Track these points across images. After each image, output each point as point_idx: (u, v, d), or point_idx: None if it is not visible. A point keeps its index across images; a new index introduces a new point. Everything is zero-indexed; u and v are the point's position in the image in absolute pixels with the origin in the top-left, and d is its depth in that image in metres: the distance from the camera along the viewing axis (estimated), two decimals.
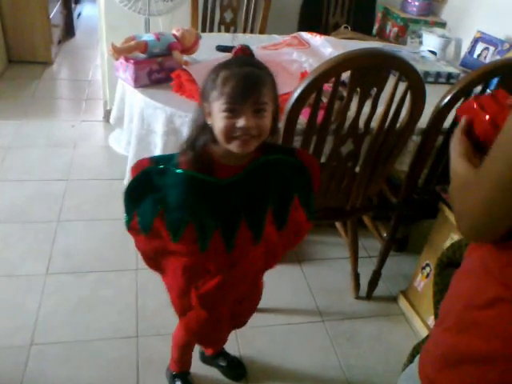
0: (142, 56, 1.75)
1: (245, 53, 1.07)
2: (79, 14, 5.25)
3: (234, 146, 0.99)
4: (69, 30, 4.79)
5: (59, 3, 4.38)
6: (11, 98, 3.46)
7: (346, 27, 2.80)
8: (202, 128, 1.05)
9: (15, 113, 3.26)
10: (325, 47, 1.95)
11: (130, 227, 1.15)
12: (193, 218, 1.09)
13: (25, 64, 3.99)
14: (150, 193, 1.07)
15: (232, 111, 0.96)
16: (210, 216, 1.09)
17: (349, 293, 2.08)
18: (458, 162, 0.80)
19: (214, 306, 1.24)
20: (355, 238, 1.97)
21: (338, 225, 2.17)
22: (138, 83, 1.75)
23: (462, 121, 0.86)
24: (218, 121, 0.98)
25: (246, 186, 1.07)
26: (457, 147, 0.83)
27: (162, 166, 1.05)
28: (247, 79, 0.96)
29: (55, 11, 4.16)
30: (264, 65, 1.03)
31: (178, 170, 1.04)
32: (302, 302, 2.04)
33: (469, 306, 0.77)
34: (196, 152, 1.05)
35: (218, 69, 1.00)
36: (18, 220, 2.32)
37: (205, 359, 1.71)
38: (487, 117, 0.80)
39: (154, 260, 1.24)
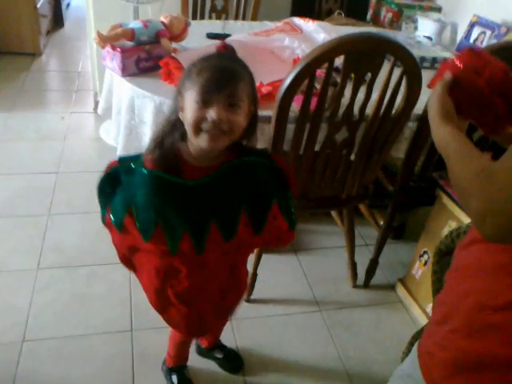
0: (129, 44, 1.70)
1: (226, 50, 1.03)
2: (68, 5, 5.15)
3: (201, 140, 0.95)
4: (57, 21, 4.71)
5: None
6: None
7: (339, 13, 2.75)
8: (173, 124, 1.01)
9: (3, 105, 3.20)
10: (318, 33, 1.91)
11: (105, 222, 1.13)
12: (161, 219, 1.05)
13: (12, 55, 3.92)
14: (120, 191, 1.05)
15: (204, 102, 0.92)
16: (178, 218, 1.05)
17: (346, 282, 2.06)
18: (444, 127, 0.78)
19: (193, 302, 1.21)
20: (351, 226, 1.94)
21: (333, 213, 2.14)
22: (126, 72, 1.70)
23: (446, 76, 0.82)
24: (188, 112, 0.95)
25: (216, 188, 1.03)
26: (440, 108, 0.81)
27: (127, 166, 1.02)
28: (224, 71, 0.93)
29: (43, 1, 4.07)
30: (244, 63, 0.99)
31: (144, 170, 1.01)
32: (298, 292, 2.01)
33: (481, 306, 0.72)
34: (163, 150, 1.01)
35: (196, 62, 0.97)
36: (7, 214, 2.27)
37: (201, 351, 1.68)
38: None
39: (128, 257, 1.22)
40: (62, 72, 3.96)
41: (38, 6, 3.89)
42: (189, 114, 0.94)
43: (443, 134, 0.79)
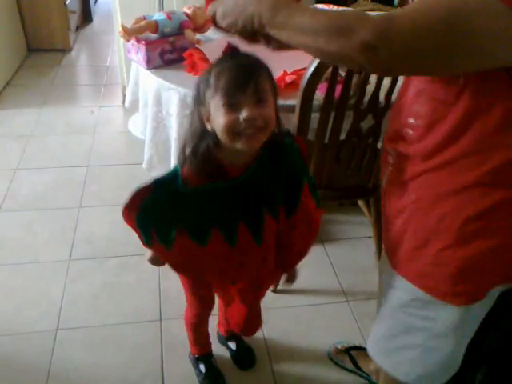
0: (153, 36, 1.72)
1: (233, 50, 0.99)
2: (96, 0, 5.23)
3: (240, 144, 0.92)
4: (86, 16, 4.79)
5: None
6: (31, 86, 3.49)
7: None
8: (200, 136, 0.97)
9: (35, 101, 3.29)
10: None
11: (152, 246, 1.07)
12: (215, 223, 1.02)
13: (44, 52, 4.02)
14: (163, 217, 0.99)
15: (232, 105, 0.88)
16: (232, 215, 1.02)
17: (374, 272, 2.03)
18: (295, 14, 0.75)
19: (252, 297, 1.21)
20: (379, 216, 1.91)
21: (360, 203, 2.11)
22: (151, 64, 1.72)
23: None
24: (218, 119, 0.90)
25: (261, 176, 1.01)
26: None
27: (167, 190, 0.97)
28: (243, 69, 0.90)
29: None
30: (255, 56, 0.95)
31: (189, 190, 0.97)
32: (326, 282, 2.00)
33: (463, 221, 0.84)
34: (200, 159, 0.97)
35: (208, 69, 0.94)
36: (40, 207, 2.34)
37: (220, 338, 1.70)
38: None
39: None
40: (91, 67, 4.04)
41: (67, 2, 3.97)
42: (220, 121, 0.90)
43: (300, 21, 0.76)
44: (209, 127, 0.95)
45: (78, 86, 3.70)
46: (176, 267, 1.17)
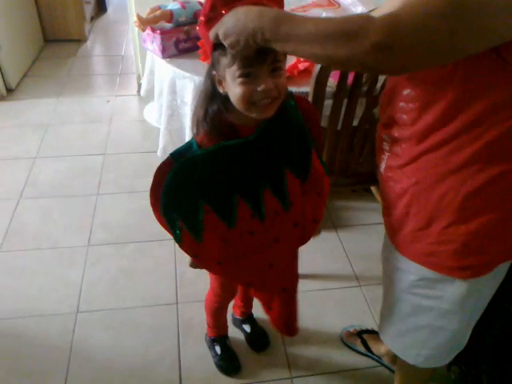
0: (168, 26, 1.75)
1: None
2: None
3: (255, 113, 0.94)
4: (101, 6, 4.83)
5: None
6: (48, 77, 3.55)
7: None
8: (211, 98, 0.98)
9: (53, 91, 3.35)
10: (355, 6, 1.88)
11: (182, 241, 1.07)
12: (239, 191, 1.03)
13: (60, 42, 4.07)
14: (187, 192, 1.01)
15: (249, 75, 0.90)
16: (254, 177, 1.03)
17: None
18: (295, 23, 0.77)
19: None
20: None
21: (373, 189, 2.13)
22: (166, 53, 1.75)
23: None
24: (233, 89, 0.92)
25: (274, 132, 1.02)
26: (272, 14, 0.79)
27: (188, 156, 0.99)
28: None
29: None
30: None
31: (204, 151, 0.98)
32: (338, 267, 2.03)
33: (463, 197, 0.88)
34: (212, 121, 0.99)
35: None
36: (59, 195, 2.40)
37: (235, 321, 1.74)
38: None
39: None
40: (106, 56, 4.08)
41: None
42: (236, 91, 0.91)
43: (303, 28, 0.76)
44: (220, 90, 0.96)
45: (93, 75, 3.74)
46: (212, 267, 1.17)
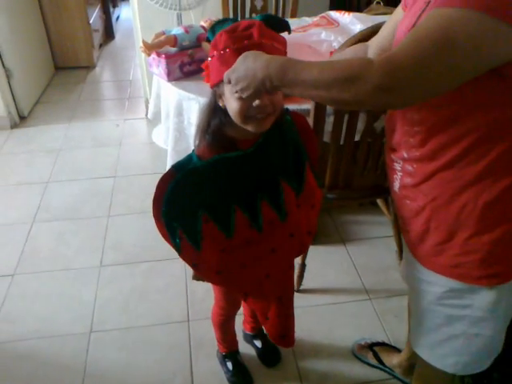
0: (172, 50, 1.80)
1: None
2: (118, 17, 5.41)
3: (251, 127, 1.00)
4: (109, 34, 4.96)
5: (98, 8, 4.54)
6: (59, 103, 3.64)
7: (378, 3, 2.73)
8: (213, 111, 1.04)
9: (63, 116, 3.44)
10: (354, 24, 1.93)
11: (182, 251, 1.11)
12: (237, 202, 1.08)
13: (70, 70, 4.19)
14: (187, 201, 1.05)
15: None
16: (251, 189, 1.08)
17: (395, 270, 2.07)
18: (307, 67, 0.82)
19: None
20: None
21: (380, 202, 2.15)
22: (171, 77, 1.80)
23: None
24: (231, 103, 0.97)
25: (272, 146, 1.07)
26: (280, 61, 0.85)
27: (186, 169, 1.04)
28: None
29: (94, 16, 4.32)
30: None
31: (204, 162, 1.04)
32: (348, 281, 2.04)
33: (484, 205, 0.90)
34: (213, 134, 1.04)
35: None
36: (71, 217, 2.45)
37: (246, 337, 1.75)
38: None
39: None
40: (114, 81, 4.18)
41: (91, 21, 4.12)
42: (233, 106, 0.97)
43: (308, 76, 0.81)
44: (220, 104, 1.02)
45: (103, 100, 3.83)
46: (212, 277, 1.21)
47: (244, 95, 0.90)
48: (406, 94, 0.76)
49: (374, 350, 1.69)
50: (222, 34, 0.97)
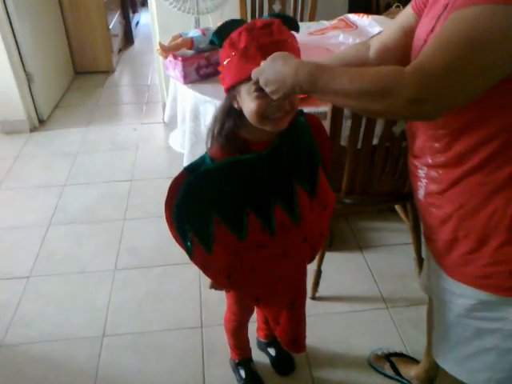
0: (189, 52, 1.79)
1: None
2: (137, 23, 5.46)
3: (268, 127, 0.98)
4: (128, 39, 5.00)
5: (118, 14, 4.58)
6: (77, 107, 3.67)
7: (397, 6, 2.69)
8: (227, 113, 1.02)
9: (81, 120, 3.46)
10: (373, 27, 1.89)
11: (193, 254, 1.09)
12: (250, 204, 1.06)
13: (89, 74, 4.23)
14: (199, 203, 1.04)
15: (263, 90, 0.92)
16: (266, 191, 1.06)
17: (413, 278, 2.01)
18: (331, 77, 0.80)
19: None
20: (417, 221, 1.90)
21: (398, 209, 2.10)
22: (188, 79, 1.79)
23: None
24: (248, 103, 0.96)
25: (286, 149, 1.05)
26: (309, 68, 0.83)
27: (202, 169, 1.02)
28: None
29: (114, 22, 4.36)
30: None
31: (217, 164, 1.02)
32: (365, 289, 2.00)
33: None
34: (227, 136, 1.02)
35: None
36: (87, 220, 2.45)
37: (259, 344, 1.72)
38: None
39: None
40: (133, 86, 4.21)
41: (110, 26, 4.16)
42: (250, 106, 0.95)
43: (337, 83, 0.80)
44: (235, 105, 1.00)
45: (121, 105, 3.85)
46: (222, 281, 1.19)
47: (274, 97, 0.89)
48: (441, 103, 0.74)
49: (391, 360, 1.64)
50: (241, 33, 0.94)
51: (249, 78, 0.93)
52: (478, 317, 1.00)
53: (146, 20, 5.60)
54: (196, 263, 1.14)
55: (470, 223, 0.92)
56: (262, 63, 0.89)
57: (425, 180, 0.99)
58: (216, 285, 1.23)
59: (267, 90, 0.89)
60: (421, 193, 1.02)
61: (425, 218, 1.05)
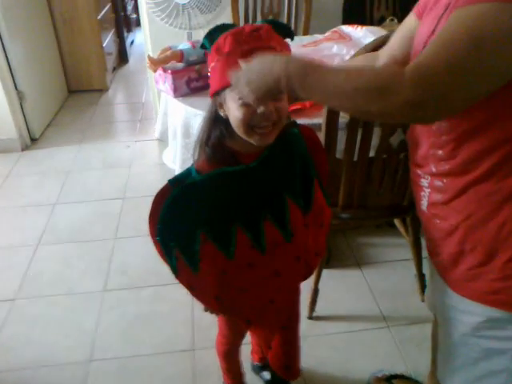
0: (179, 65, 1.75)
1: None
2: (132, 42, 5.46)
3: (254, 139, 0.93)
4: (122, 57, 5.00)
5: (112, 32, 4.58)
6: (70, 125, 3.63)
7: (391, 19, 2.67)
8: (214, 121, 0.97)
9: (74, 138, 3.42)
10: (367, 38, 1.85)
11: (179, 272, 1.02)
12: (238, 219, 1.00)
13: (83, 92, 4.19)
14: (185, 218, 0.97)
15: None
16: (255, 205, 1.00)
17: (415, 296, 1.94)
18: (322, 74, 0.75)
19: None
20: (417, 236, 1.83)
21: (397, 223, 2.03)
22: (178, 92, 1.75)
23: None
24: (234, 111, 0.91)
25: (276, 161, 0.99)
26: (302, 62, 0.78)
27: (187, 182, 0.96)
28: None
29: (108, 40, 4.35)
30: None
31: (203, 176, 0.96)
32: (364, 307, 1.92)
33: None
34: (213, 147, 0.97)
35: None
36: (77, 240, 2.38)
37: (253, 368, 1.64)
38: None
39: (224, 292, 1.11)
40: (127, 104, 4.17)
41: (104, 45, 4.15)
42: (236, 114, 0.90)
43: (332, 80, 0.75)
44: (222, 113, 0.95)
45: (114, 122, 3.81)
46: (211, 303, 1.13)
47: (252, 97, 0.83)
48: (440, 106, 0.69)
49: (393, 382, 1.56)
50: (226, 37, 0.90)
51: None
52: (486, 336, 0.92)
53: (140, 39, 5.58)
54: (182, 282, 1.07)
55: (478, 235, 0.86)
56: (243, 65, 0.84)
57: (428, 190, 0.93)
58: (204, 306, 1.16)
59: (248, 88, 0.83)
60: (424, 203, 0.96)
61: (428, 230, 0.98)
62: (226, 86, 0.89)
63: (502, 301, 0.86)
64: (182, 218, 0.98)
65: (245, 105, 0.88)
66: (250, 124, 0.90)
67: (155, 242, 1.01)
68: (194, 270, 1.02)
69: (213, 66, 0.93)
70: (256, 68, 0.82)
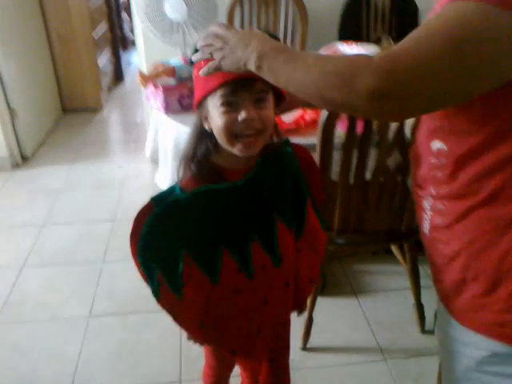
0: (171, 82, 1.70)
1: None
2: (129, 62, 5.45)
3: (237, 150, 0.88)
4: (118, 76, 4.97)
5: (107, 51, 4.57)
6: (63, 144, 3.58)
7: (387, 38, 2.65)
8: (199, 137, 0.93)
9: (66, 158, 3.36)
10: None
11: (160, 296, 0.95)
12: (224, 241, 0.94)
13: (77, 111, 4.15)
14: (167, 239, 0.92)
15: (230, 104, 0.85)
16: (242, 223, 0.94)
17: (413, 326, 1.85)
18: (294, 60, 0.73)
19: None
20: (415, 263, 1.76)
21: (395, 250, 1.96)
22: (169, 109, 1.70)
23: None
24: (216, 119, 0.87)
25: (265, 178, 0.94)
26: (270, 45, 0.77)
27: (170, 200, 0.90)
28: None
29: (104, 59, 4.34)
30: None
31: (187, 194, 0.90)
32: (360, 338, 1.83)
33: None
34: (199, 163, 0.92)
35: None
36: (64, 263, 2.29)
37: None
38: None
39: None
40: (121, 124, 4.14)
41: (100, 64, 4.13)
42: (217, 121, 0.87)
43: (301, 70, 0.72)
44: (207, 127, 0.91)
45: (107, 142, 3.76)
46: (194, 331, 1.06)
47: (221, 57, 0.81)
48: (404, 102, 0.64)
49: None
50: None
51: (215, 90, 0.85)
52: (491, 371, 0.84)
53: (138, 58, 5.61)
54: (164, 307, 0.99)
55: (482, 262, 0.79)
56: (225, 31, 0.84)
57: (430, 212, 0.87)
58: (188, 334, 1.08)
59: (220, 45, 0.82)
60: (426, 226, 0.90)
61: (431, 255, 0.92)
62: (209, 92, 0.87)
63: (508, 334, 0.79)
64: (164, 238, 0.92)
65: (226, 112, 0.85)
66: (232, 132, 0.86)
67: (136, 263, 0.95)
68: (177, 294, 0.95)
69: (196, 75, 0.90)
70: (235, 37, 0.81)
